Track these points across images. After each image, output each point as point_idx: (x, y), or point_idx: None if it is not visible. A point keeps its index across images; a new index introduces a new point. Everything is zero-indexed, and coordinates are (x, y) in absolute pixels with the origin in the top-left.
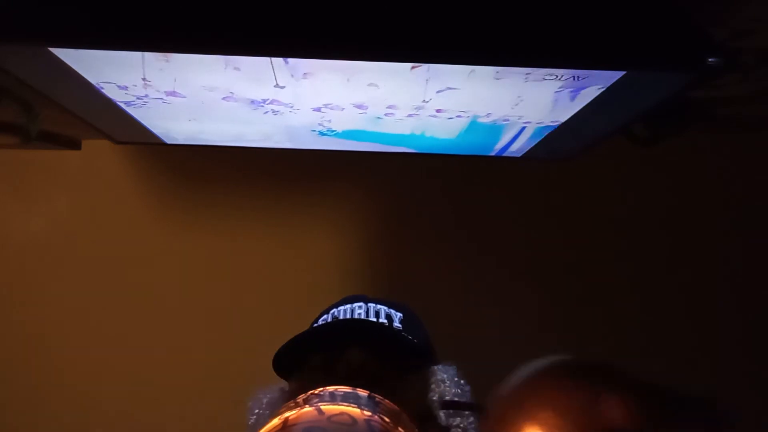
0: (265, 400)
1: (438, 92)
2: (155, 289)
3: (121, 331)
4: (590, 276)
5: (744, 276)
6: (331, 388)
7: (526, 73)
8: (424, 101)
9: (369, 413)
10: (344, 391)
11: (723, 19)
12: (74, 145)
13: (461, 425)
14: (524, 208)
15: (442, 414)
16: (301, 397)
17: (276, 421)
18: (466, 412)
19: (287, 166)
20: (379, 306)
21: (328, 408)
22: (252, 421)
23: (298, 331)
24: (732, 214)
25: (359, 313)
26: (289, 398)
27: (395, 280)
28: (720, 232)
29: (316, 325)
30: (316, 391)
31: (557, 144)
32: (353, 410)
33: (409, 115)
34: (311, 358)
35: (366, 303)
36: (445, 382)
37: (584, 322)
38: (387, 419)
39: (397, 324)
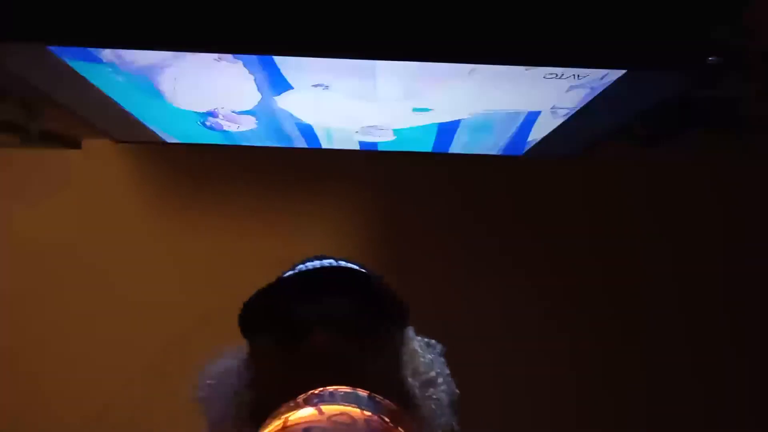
0: (215, 370)
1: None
2: (155, 288)
3: (122, 330)
4: (590, 274)
5: (743, 274)
6: (330, 388)
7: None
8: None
9: (369, 413)
10: (344, 391)
11: (724, 19)
12: (74, 144)
13: (434, 396)
14: (525, 208)
15: (416, 389)
16: (301, 397)
17: (276, 422)
18: (439, 380)
19: (287, 166)
20: (350, 263)
21: (327, 408)
22: (202, 393)
23: None
24: (731, 213)
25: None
26: (249, 364)
27: (395, 279)
28: (719, 231)
29: (283, 276)
30: (316, 391)
31: (559, 142)
32: (353, 410)
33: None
34: (279, 315)
35: (336, 261)
36: (418, 351)
37: (584, 319)
38: (387, 419)
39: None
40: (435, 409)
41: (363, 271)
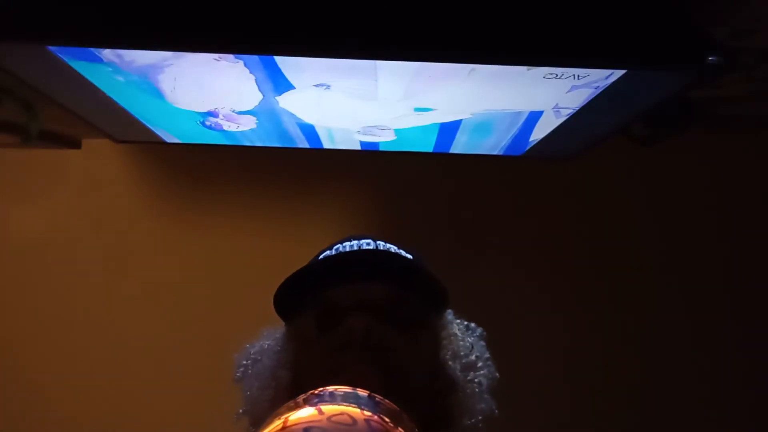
0: (252, 351)
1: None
2: (155, 287)
3: (122, 330)
4: (590, 274)
5: (743, 274)
6: (330, 388)
7: None
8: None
9: (369, 413)
10: (344, 391)
11: (723, 19)
12: (74, 144)
13: (475, 380)
14: (525, 208)
15: (457, 372)
16: (301, 397)
17: (277, 422)
18: (479, 364)
19: (287, 166)
20: (388, 245)
21: (328, 408)
22: (239, 373)
23: None
24: (731, 213)
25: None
26: (285, 346)
27: None
28: (719, 231)
29: (321, 257)
30: (316, 391)
31: (558, 143)
32: (353, 410)
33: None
34: (316, 297)
35: (375, 241)
36: (457, 335)
37: (585, 319)
38: (387, 419)
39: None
40: (477, 392)
41: (401, 252)
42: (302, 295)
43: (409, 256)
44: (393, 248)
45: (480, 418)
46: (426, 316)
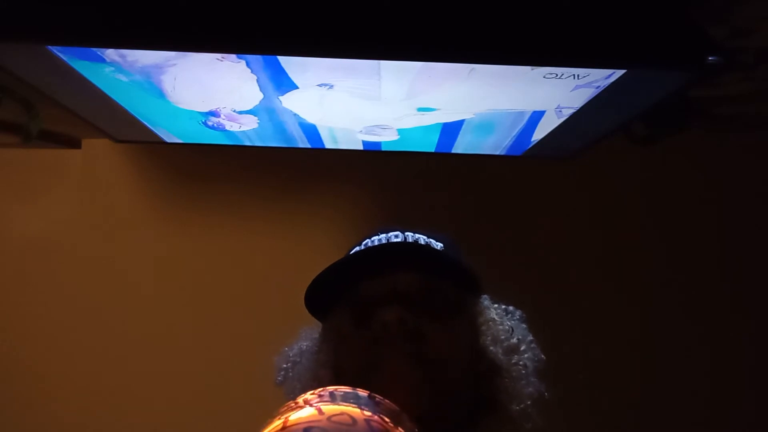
0: (291, 353)
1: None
2: (155, 287)
3: (122, 330)
4: (589, 274)
5: (742, 274)
6: (331, 388)
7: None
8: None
9: (369, 413)
10: (344, 391)
11: (723, 18)
12: (74, 144)
13: (519, 362)
14: (525, 208)
15: (500, 356)
16: (301, 397)
17: (277, 422)
18: (522, 347)
19: (287, 166)
20: (417, 234)
21: (328, 408)
22: (281, 377)
23: (299, 328)
24: (731, 213)
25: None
26: (322, 345)
27: None
28: (718, 231)
29: (351, 252)
30: (316, 391)
31: (557, 143)
32: (353, 410)
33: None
34: (348, 294)
35: (403, 232)
36: (495, 319)
37: (584, 319)
38: (387, 419)
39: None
40: (523, 374)
41: (431, 242)
42: (334, 292)
43: (439, 244)
44: (422, 238)
45: (529, 402)
46: (460, 304)
